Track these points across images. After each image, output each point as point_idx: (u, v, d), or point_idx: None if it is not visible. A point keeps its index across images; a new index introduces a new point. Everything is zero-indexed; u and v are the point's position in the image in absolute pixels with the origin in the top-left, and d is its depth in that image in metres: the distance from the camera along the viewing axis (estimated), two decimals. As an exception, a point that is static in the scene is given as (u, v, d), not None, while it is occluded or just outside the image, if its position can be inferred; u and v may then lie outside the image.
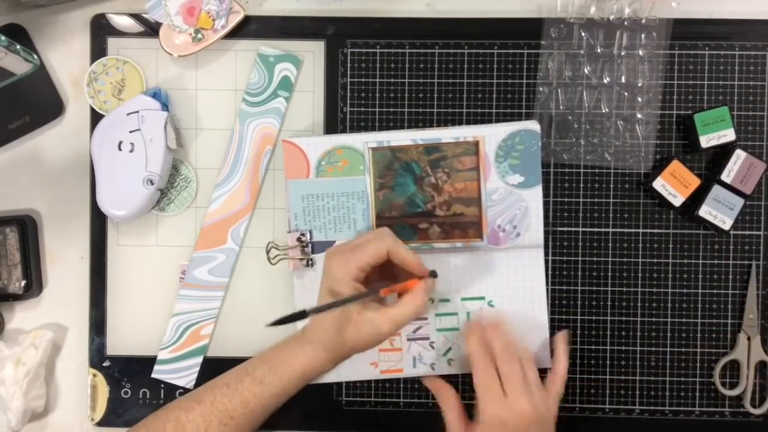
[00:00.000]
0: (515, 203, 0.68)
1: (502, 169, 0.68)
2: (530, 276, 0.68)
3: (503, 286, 0.69)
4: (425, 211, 0.69)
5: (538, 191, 0.68)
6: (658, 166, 0.68)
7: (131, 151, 0.67)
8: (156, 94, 0.68)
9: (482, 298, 0.69)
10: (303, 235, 0.68)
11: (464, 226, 0.68)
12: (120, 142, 0.67)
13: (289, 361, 0.61)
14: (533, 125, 0.68)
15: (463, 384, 0.69)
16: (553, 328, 0.70)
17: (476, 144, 0.68)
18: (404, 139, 0.68)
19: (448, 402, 0.65)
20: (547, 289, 0.70)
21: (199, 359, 0.70)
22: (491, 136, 0.68)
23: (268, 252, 0.70)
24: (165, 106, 0.68)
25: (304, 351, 0.61)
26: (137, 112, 0.67)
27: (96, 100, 0.70)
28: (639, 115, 0.69)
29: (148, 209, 0.69)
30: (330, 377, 0.69)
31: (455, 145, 0.68)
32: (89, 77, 0.70)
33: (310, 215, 0.69)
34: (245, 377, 0.61)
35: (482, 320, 0.67)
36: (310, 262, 0.69)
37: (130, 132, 0.67)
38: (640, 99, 0.69)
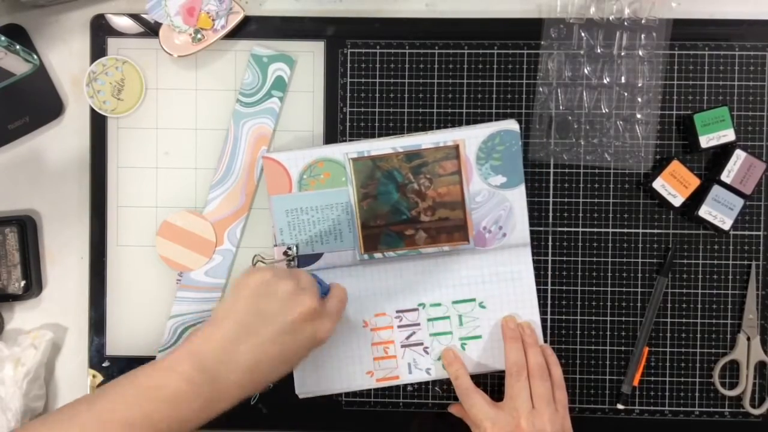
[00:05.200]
0: (499, 204, 0.68)
1: (484, 171, 0.68)
2: (519, 275, 0.69)
3: (493, 287, 0.69)
4: (410, 217, 0.68)
5: (521, 190, 0.68)
6: (658, 167, 0.68)
7: None
8: None
9: (473, 300, 0.69)
10: (290, 248, 0.68)
11: (450, 230, 0.68)
12: None
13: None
14: (512, 125, 0.68)
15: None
16: (554, 328, 0.70)
17: (456, 148, 0.68)
18: (384, 147, 0.68)
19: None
20: (547, 289, 0.70)
21: (199, 359, 0.70)
22: (471, 138, 0.68)
23: (254, 265, 0.70)
24: None
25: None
26: None
27: (96, 100, 0.70)
28: (639, 116, 0.69)
29: None
30: (325, 388, 0.69)
31: (435, 150, 0.68)
32: (89, 77, 0.70)
33: (296, 229, 0.68)
34: None
35: (521, 329, 0.68)
36: None
37: None
38: (639, 99, 0.69)
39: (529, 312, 0.69)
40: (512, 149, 0.68)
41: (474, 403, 0.64)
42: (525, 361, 0.65)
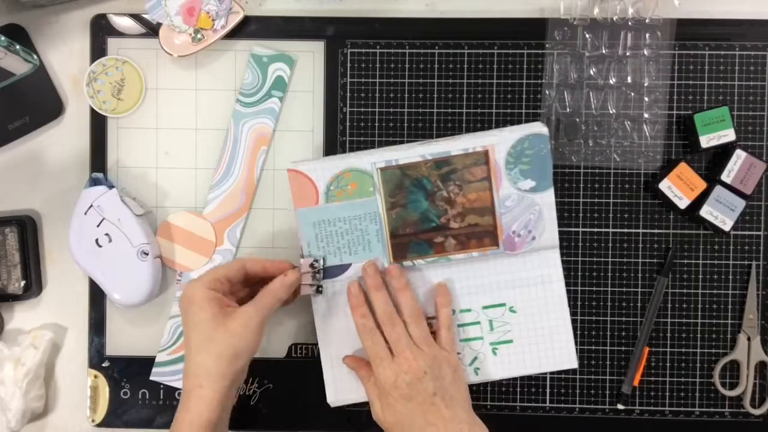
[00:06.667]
0: (529, 208, 0.68)
1: (513, 175, 0.67)
2: (548, 278, 0.68)
3: (523, 291, 0.68)
4: (439, 225, 0.68)
5: (550, 194, 0.67)
6: (665, 168, 0.68)
7: (110, 241, 0.67)
8: (96, 180, 0.68)
9: (503, 305, 0.68)
10: (316, 261, 0.67)
11: (480, 235, 0.68)
12: (96, 240, 0.67)
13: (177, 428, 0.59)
14: (541, 128, 0.67)
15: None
16: (554, 328, 0.70)
17: (485, 153, 0.67)
18: (413, 156, 0.67)
19: (367, 375, 0.66)
20: (548, 290, 0.70)
21: (199, 360, 0.70)
22: (500, 143, 0.67)
23: None
24: (110, 185, 0.68)
25: (187, 409, 0.59)
26: (91, 206, 0.67)
27: (96, 100, 0.70)
28: (646, 115, 0.69)
29: (160, 278, 0.69)
30: (356, 396, 0.68)
31: (465, 157, 0.67)
32: (89, 77, 0.70)
33: (323, 241, 0.68)
34: None
35: (366, 280, 0.67)
36: (319, 289, 0.68)
37: (98, 226, 0.67)
38: (647, 99, 0.69)
39: (561, 315, 0.68)
40: (541, 153, 0.67)
41: (373, 337, 0.64)
42: (393, 308, 0.65)
